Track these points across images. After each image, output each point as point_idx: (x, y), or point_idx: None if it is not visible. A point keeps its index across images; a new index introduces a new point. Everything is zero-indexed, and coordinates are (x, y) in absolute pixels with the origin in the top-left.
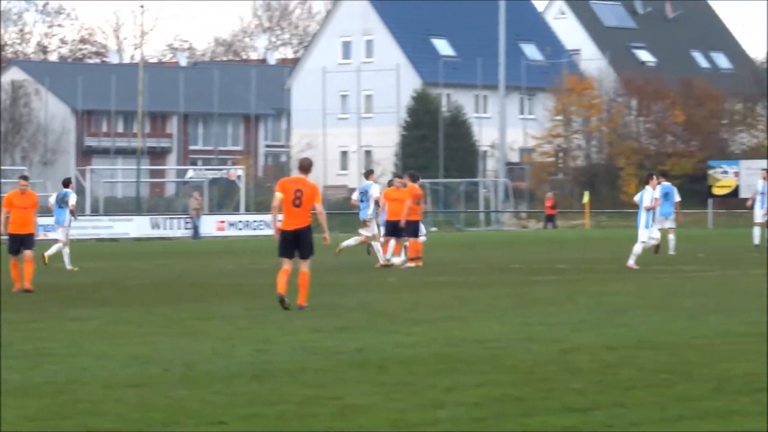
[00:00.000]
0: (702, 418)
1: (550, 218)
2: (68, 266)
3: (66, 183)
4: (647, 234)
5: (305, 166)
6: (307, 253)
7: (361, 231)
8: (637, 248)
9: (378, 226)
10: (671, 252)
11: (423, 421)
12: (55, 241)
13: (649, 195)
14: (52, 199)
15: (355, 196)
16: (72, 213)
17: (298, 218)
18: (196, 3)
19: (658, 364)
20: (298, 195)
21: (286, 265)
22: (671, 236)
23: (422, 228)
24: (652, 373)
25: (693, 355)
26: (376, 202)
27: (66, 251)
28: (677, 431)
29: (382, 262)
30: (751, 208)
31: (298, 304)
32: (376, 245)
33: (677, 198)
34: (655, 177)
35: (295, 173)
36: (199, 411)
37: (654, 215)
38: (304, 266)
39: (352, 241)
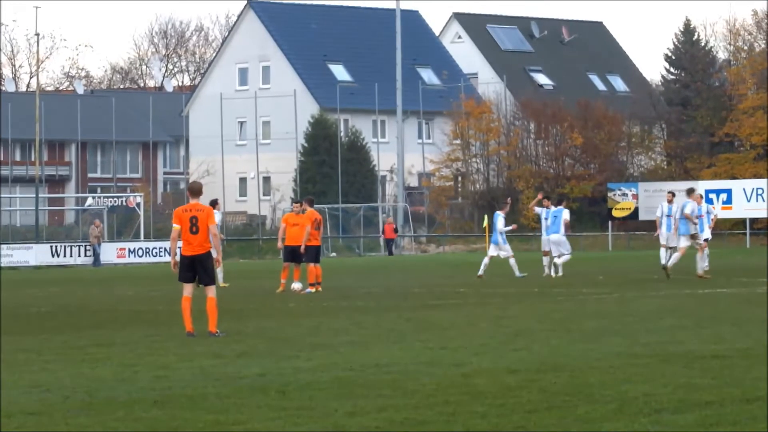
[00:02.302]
0: None
1: (389, 243)
2: None
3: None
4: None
5: (195, 191)
6: (209, 280)
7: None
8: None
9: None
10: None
11: None
12: None
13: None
14: None
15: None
16: None
17: (196, 244)
18: (92, 31)
19: (559, 387)
20: (193, 222)
21: (187, 291)
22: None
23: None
24: (554, 396)
25: (594, 377)
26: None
27: None
28: None
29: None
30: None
31: (208, 331)
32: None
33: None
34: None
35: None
36: None
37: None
38: (210, 292)
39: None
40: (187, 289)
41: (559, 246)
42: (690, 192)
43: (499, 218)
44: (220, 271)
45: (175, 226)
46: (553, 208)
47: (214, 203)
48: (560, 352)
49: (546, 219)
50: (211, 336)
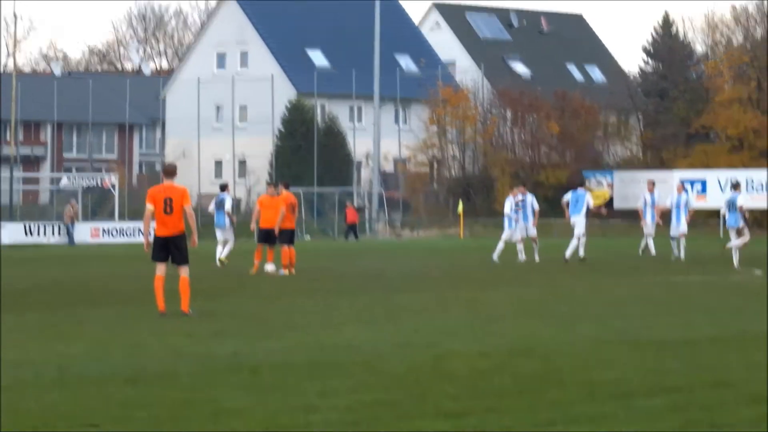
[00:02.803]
0: (573, 422)
1: (351, 228)
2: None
3: (223, 187)
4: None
5: (170, 171)
6: (182, 260)
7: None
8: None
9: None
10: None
11: (296, 425)
12: None
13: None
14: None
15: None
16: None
17: (170, 225)
18: (70, 12)
19: (530, 371)
20: (168, 202)
21: (160, 270)
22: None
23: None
24: (525, 380)
25: (564, 362)
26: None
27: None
28: None
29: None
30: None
31: (181, 310)
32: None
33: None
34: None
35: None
36: (72, 414)
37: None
38: (183, 272)
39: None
40: (160, 268)
41: (575, 227)
42: (735, 186)
43: (507, 203)
44: (227, 248)
45: (149, 206)
46: (529, 196)
47: (224, 187)
48: (532, 336)
49: (519, 207)
50: (183, 315)
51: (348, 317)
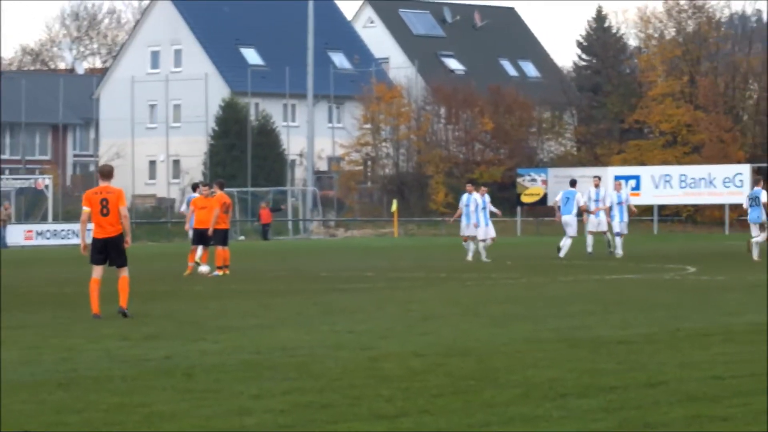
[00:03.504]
0: (508, 423)
1: (265, 228)
2: None
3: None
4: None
5: (106, 173)
6: (120, 262)
7: None
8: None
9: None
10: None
11: (230, 428)
12: None
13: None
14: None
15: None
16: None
17: (107, 227)
18: (2, 11)
19: (465, 371)
20: (104, 204)
21: (96, 273)
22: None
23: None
24: (460, 380)
25: (500, 362)
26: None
27: None
28: None
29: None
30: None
31: (119, 306)
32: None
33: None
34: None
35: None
36: (5, 419)
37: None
38: (123, 273)
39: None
40: (97, 271)
41: (567, 227)
42: (757, 182)
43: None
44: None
45: (85, 209)
46: (476, 195)
47: (195, 186)
48: (467, 336)
49: (467, 205)
50: (120, 312)
51: (283, 319)
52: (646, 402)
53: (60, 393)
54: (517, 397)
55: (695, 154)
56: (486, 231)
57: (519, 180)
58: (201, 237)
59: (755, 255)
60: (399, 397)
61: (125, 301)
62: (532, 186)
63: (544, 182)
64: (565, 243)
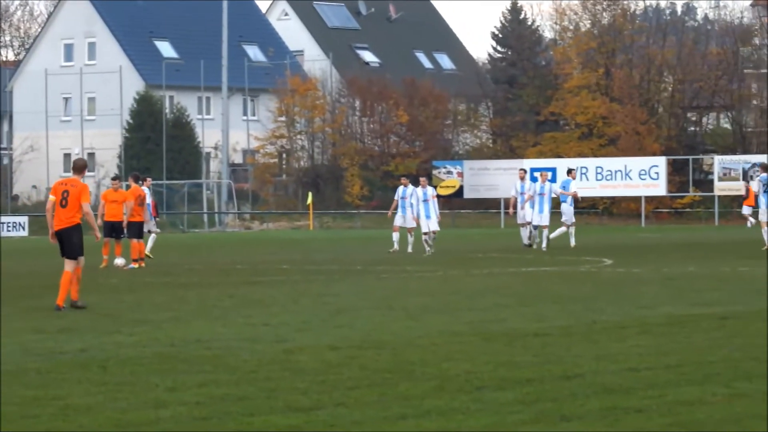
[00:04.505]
0: (424, 416)
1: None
2: None
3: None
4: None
5: (78, 167)
6: (70, 253)
7: None
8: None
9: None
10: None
11: (145, 420)
12: None
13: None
14: None
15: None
16: None
17: (62, 218)
18: None
19: (380, 364)
20: (64, 195)
21: (65, 266)
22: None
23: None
24: (375, 373)
25: (415, 355)
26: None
27: None
28: (399, 430)
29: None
30: (514, 212)
31: (56, 304)
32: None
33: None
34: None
35: (18, 174)
36: None
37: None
38: (67, 266)
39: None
40: (69, 265)
41: (565, 215)
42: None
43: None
44: (151, 240)
45: (51, 198)
46: (420, 188)
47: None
48: (382, 329)
49: (405, 198)
50: (57, 310)
51: (198, 311)
52: (562, 394)
53: None
54: (432, 389)
55: (611, 146)
56: (428, 224)
57: (434, 172)
58: (112, 229)
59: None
60: (314, 390)
61: (62, 299)
62: (447, 178)
63: (460, 174)
64: (560, 230)
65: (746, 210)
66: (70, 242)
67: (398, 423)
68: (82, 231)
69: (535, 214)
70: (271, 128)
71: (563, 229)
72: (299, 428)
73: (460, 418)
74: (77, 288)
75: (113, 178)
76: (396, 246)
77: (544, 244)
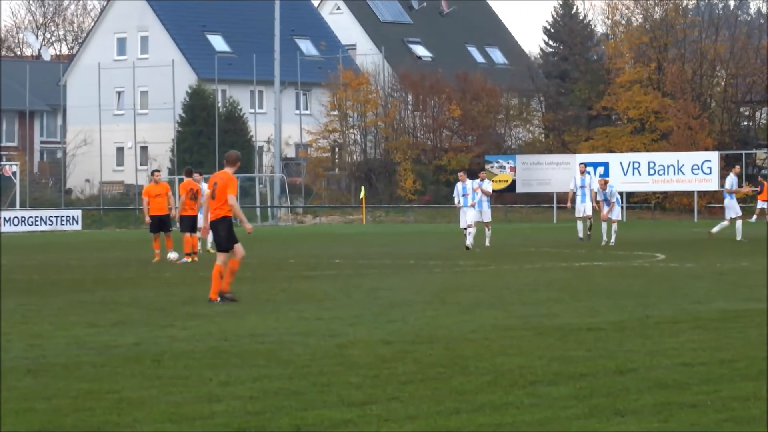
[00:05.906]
0: (477, 411)
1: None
2: None
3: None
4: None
5: (230, 160)
6: (217, 245)
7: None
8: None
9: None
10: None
11: (199, 415)
12: None
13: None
14: None
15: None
16: None
17: (212, 209)
18: None
19: (433, 358)
20: (214, 188)
21: (219, 259)
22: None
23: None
24: (428, 367)
25: (468, 349)
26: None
27: None
28: (453, 425)
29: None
30: (572, 204)
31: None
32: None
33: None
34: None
35: (72, 168)
36: None
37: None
38: (219, 258)
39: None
40: (219, 257)
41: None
42: None
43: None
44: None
45: (207, 191)
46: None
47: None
48: (435, 323)
49: (466, 195)
50: (209, 302)
51: (250, 306)
52: (615, 389)
53: (28, 380)
54: (486, 384)
55: (663, 141)
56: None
57: (487, 167)
58: (160, 223)
59: None
60: (368, 384)
61: (227, 285)
62: (500, 173)
63: (512, 169)
64: (722, 225)
65: (761, 204)
66: (216, 234)
67: (452, 418)
68: (232, 223)
69: (578, 208)
70: (324, 122)
71: (725, 223)
72: (353, 422)
73: (513, 412)
74: (229, 280)
75: (153, 171)
76: (470, 240)
77: (612, 239)
